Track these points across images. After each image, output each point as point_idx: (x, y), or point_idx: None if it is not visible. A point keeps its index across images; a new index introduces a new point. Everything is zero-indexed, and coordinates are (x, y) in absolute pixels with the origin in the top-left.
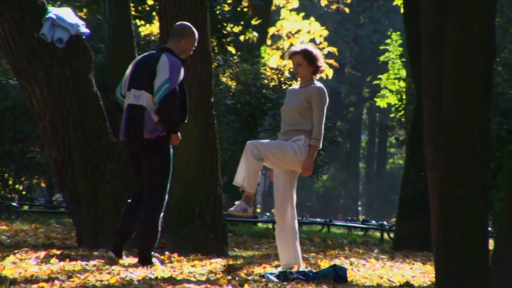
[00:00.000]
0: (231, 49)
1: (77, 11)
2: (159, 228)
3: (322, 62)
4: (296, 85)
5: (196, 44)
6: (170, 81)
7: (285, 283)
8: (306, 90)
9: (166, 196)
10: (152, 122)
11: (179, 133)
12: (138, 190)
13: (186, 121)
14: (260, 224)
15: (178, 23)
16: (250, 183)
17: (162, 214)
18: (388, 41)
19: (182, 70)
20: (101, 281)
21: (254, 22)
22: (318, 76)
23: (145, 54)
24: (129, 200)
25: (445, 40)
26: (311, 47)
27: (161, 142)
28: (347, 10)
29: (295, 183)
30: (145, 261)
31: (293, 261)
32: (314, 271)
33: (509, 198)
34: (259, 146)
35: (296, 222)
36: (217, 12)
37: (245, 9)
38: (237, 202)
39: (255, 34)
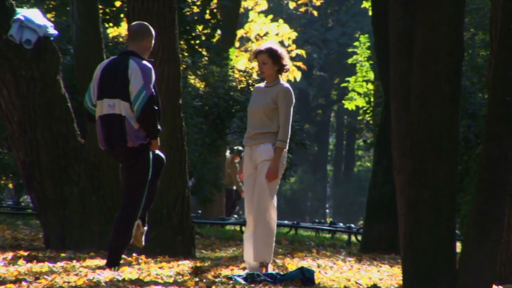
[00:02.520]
0: (203, 51)
1: (46, 13)
2: (133, 234)
3: (287, 61)
4: (262, 83)
5: (153, 41)
6: (146, 88)
7: (252, 285)
8: (272, 90)
9: (143, 202)
10: (134, 130)
11: (158, 139)
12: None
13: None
14: (227, 226)
15: (134, 23)
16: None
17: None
18: (356, 43)
19: (153, 73)
20: (68, 282)
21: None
22: (284, 75)
23: (110, 60)
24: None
25: (413, 43)
26: (275, 46)
27: (143, 150)
28: (315, 13)
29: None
30: (113, 264)
31: (269, 258)
32: (282, 273)
33: (476, 201)
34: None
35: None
36: (187, 13)
37: (214, 10)
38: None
39: (219, 32)
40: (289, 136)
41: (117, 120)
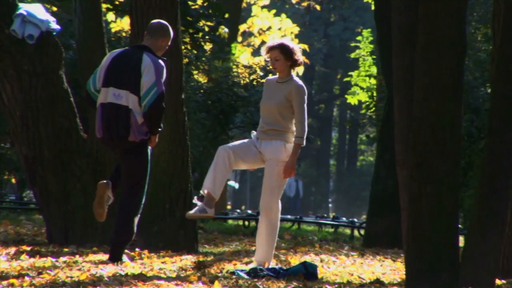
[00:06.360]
0: (205, 45)
1: (48, 8)
2: (135, 228)
3: (299, 56)
4: (274, 77)
5: (170, 43)
6: (157, 85)
7: (255, 280)
8: (285, 87)
9: (144, 197)
10: (138, 125)
11: (157, 136)
12: None
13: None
14: (230, 221)
15: (155, 21)
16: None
17: (139, 215)
18: (359, 38)
19: (165, 71)
20: (71, 277)
21: (226, 15)
22: (296, 70)
23: (122, 50)
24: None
25: (416, 37)
26: (287, 41)
27: (143, 145)
28: (318, 7)
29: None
30: (115, 259)
31: (269, 258)
32: (285, 268)
33: (479, 196)
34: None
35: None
36: (192, 6)
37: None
38: (199, 203)
39: (226, 30)
40: (306, 133)
41: (122, 112)
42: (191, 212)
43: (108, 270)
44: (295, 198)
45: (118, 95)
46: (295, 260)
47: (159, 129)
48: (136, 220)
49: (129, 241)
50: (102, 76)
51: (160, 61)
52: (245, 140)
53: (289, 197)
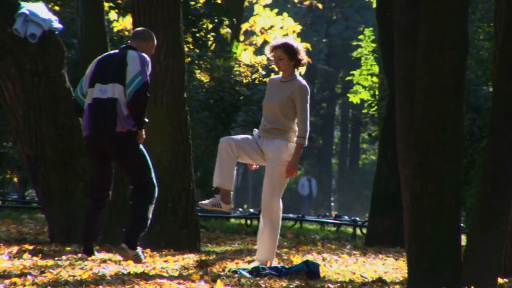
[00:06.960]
0: (209, 42)
1: (50, 6)
2: (150, 216)
3: (303, 55)
4: (277, 76)
5: (153, 51)
6: (142, 74)
7: (257, 278)
8: (288, 87)
9: (156, 187)
10: (124, 115)
11: (143, 131)
12: (96, 184)
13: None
14: (232, 220)
15: (139, 28)
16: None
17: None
18: (361, 37)
19: (150, 66)
20: (73, 276)
21: (227, 13)
22: (300, 69)
23: (107, 53)
24: (89, 199)
25: (417, 36)
26: (291, 41)
27: (131, 136)
28: (320, 6)
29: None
30: (131, 245)
31: (271, 257)
32: (287, 266)
33: (481, 195)
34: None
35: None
36: (192, 7)
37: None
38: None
39: (228, 30)
40: (308, 132)
41: (108, 104)
42: (204, 201)
43: (111, 269)
44: (308, 197)
45: (104, 90)
46: (297, 258)
47: (144, 121)
48: (151, 208)
49: (145, 228)
50: (89, 78)
51: (145, 55)
52: (248, 136)
53: (302, 195)
